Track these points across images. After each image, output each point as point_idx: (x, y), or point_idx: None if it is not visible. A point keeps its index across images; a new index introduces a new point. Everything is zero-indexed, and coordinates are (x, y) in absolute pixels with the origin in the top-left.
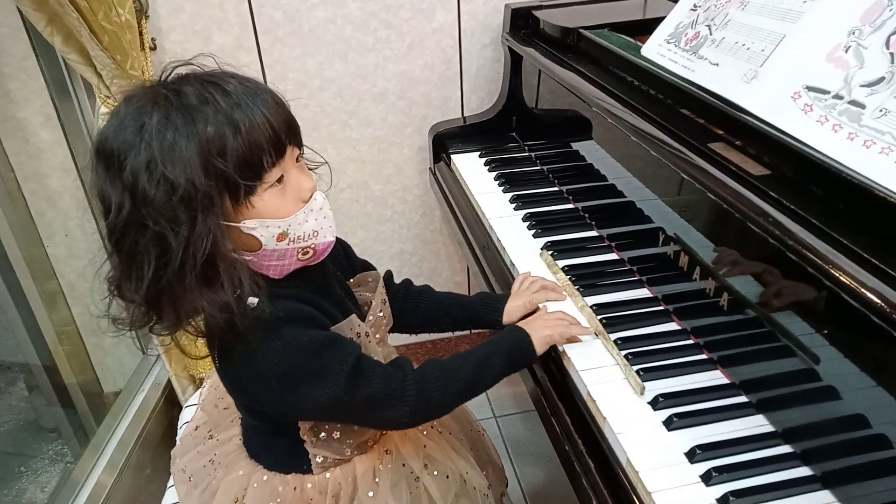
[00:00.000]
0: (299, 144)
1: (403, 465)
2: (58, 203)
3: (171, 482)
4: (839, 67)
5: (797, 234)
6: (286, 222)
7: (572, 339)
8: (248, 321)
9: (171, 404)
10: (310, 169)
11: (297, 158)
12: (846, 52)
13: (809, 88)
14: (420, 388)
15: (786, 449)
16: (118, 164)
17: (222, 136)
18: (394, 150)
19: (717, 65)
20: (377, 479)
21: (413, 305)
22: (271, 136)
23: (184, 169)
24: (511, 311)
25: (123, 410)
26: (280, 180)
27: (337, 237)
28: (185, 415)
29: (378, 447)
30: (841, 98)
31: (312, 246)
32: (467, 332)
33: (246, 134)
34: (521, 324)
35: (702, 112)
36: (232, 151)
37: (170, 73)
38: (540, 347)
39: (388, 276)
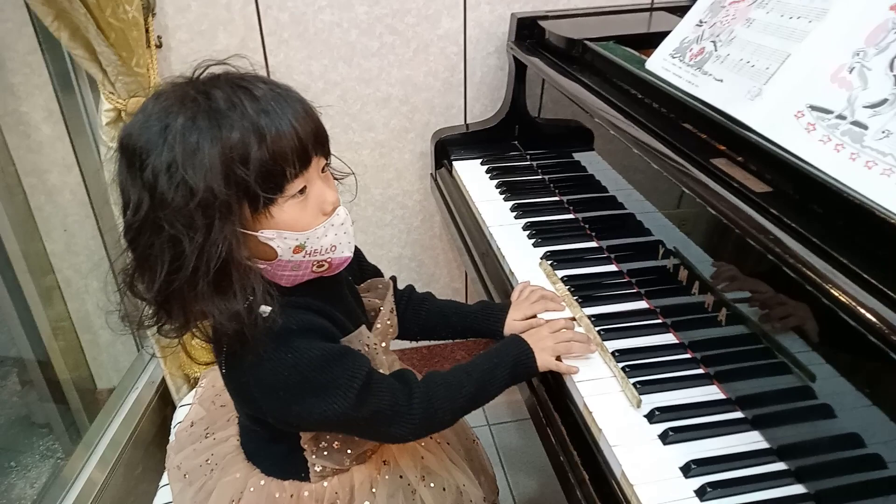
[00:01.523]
0: (326, 154)
1: (401, 476)
2: (57, 199)
3: (163, 481)
4: (843, 88)
5: (796, 252)
6: (305, 235)
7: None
8: (258, 331)
9: (164, 403)
10: (336, 179)
11: (323, 169)
12: (850, 72)
13: (813, 108)
14: (426, 404)
15: (781, 466)
16: (140, 163)
17: (246, 143)
18: (395, 154)
19: (722, 81)
20: (374, 490)
21: (414, 313)
22: (297, 146)
23: (204, 175)
24: (512, 324)
25: (116, 408)
26: (303, 191)
27: None
28: (179, 414)
29: (376, 458)
30: (844, 118)
31: (329, 260)
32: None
33: (271, 142)
34: (524, 335)
35: (704, 127)
36: (255, 160)
37: (203, 72)
38: (541, 366)
39: (393, 281)
